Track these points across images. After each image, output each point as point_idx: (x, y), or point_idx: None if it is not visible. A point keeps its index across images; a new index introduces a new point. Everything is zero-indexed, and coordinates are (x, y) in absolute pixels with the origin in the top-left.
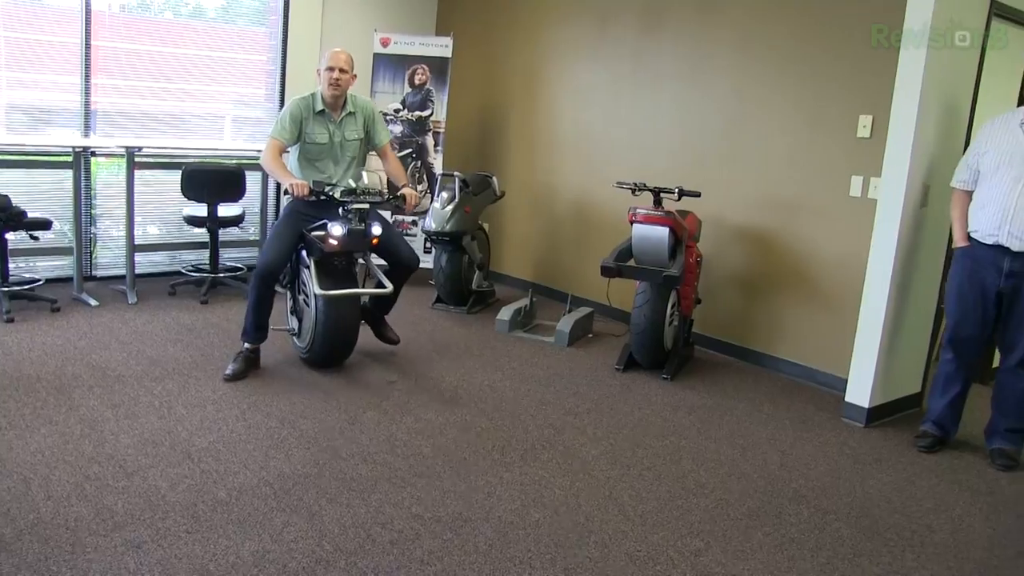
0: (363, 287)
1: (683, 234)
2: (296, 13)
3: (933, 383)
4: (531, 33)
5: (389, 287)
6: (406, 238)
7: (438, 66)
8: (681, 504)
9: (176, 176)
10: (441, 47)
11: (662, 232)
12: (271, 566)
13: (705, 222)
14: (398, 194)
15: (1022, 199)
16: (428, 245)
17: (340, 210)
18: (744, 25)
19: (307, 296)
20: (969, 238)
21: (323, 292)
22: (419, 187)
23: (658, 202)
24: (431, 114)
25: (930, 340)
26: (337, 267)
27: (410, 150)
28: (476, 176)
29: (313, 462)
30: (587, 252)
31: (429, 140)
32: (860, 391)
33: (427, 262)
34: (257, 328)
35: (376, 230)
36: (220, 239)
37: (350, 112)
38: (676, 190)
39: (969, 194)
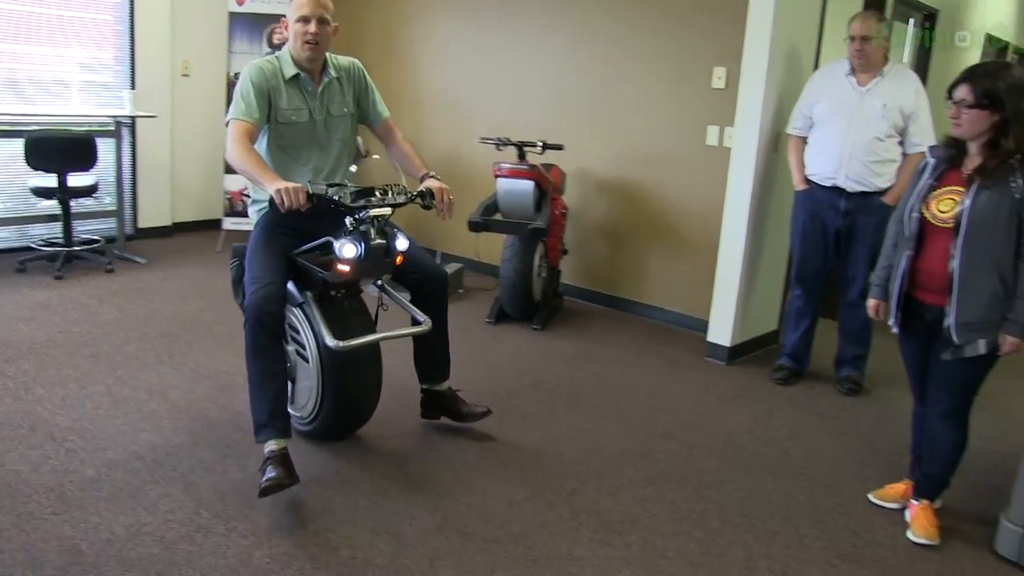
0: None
1: (548, 187)
2: None
3: (786, 319)
4: None
5: (425, 321)
6: (244, 197)
7: None
8: (555, 448)
9: (19, 145)
10: None
11: (527, 185)
12: (147, 538)
13: (570, 175)
14: (422, 189)
15: (856, 145)
16: None
17: (348, 220)
18: None
19: (301, 347)
20: (808, 181)
21: (343, 344)
22: None
23: (522, 156)
24: None
25: (784, 280)
26: (343, 303)
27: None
28: None
29: (186, 432)
30: (455, 208)
31: None
32: (721, 331)
33: None
34: (273, 412)
35: (402, 244)
36: (73, 211)
37: (334, 77)
38: (539, 144)
39: (803, 139)
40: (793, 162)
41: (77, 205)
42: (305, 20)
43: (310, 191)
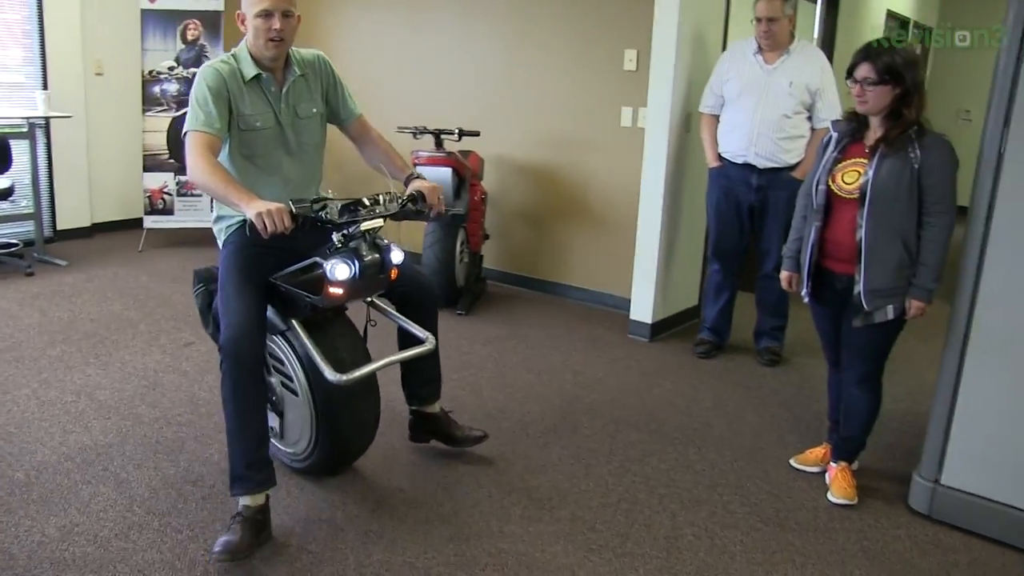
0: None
1: (466, 173)
2: None
3: (705, 294)
4: None
5: (428, 338)
6: (202, 200)
7: (210, 20)
8: (482, 429)
9: None
10: (211, 0)
11: (445, 173)
12: (80, 538)
13: (488, 160)
14: (412, 192)
15: (764, 122)
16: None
17: (336, 236)
18: None
19: (288, 379)
20: (721, 158)
21: (345, 378)
22: None
23: (439, 144)
24: None
25: (702, 256)
26: (332, 325)
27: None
28: None
29: (115, 431)
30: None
31: None
32: (643, 309)
33: None
34: (250, 463)
35: (397, 256)
36: None
37: (299, 75)
38: (456, 131)
39: (716, 118)
40: (706, 140)
41: None
42: (267, 15)
43: (294, 211)
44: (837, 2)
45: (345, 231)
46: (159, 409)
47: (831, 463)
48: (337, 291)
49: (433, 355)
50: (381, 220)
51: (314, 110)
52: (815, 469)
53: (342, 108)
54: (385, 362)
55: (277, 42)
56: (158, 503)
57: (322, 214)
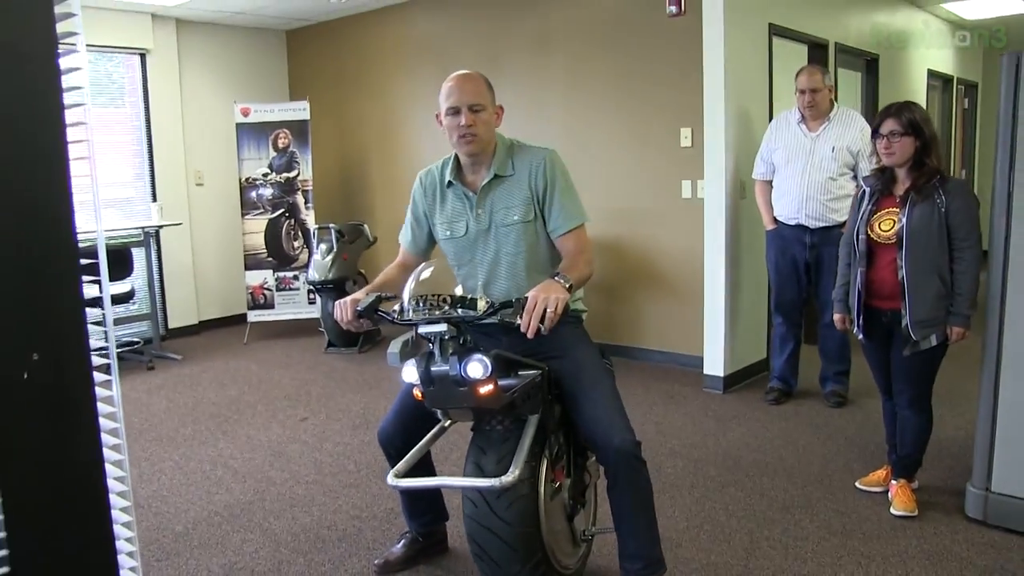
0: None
1: None
2: (155, 93)
3: (771, 346)
4: (380, 86)
5: (508, 474)
6: (299, 293)
7: (298, 128)
8: None
9: None
10: (299, 111)
11: None
12: (241, 573)
13: None
14: (515, 299)
15: (812, 186)
16: (312, 296)
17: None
18: (573, 61)
19: None
20: (776, 221)
21: (394, 482)
22: (295, 243)
23: None
24: (297, 174)
25: (766, 311)
26: (502, 430)
27: (283, 210)
28: (349, 226)
29: (253, 491)
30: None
31: (299, 198)
32: (715, 363)
33: (313, 312)
34: (411, 512)
35: (475, 369)
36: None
37: (495, 177)
38: None
39: (768, 183)
40: (761, 204)
41: (113, 311)
42: (455, 112)
43: (358, 310)
44: (876, 68)
45: (421, 332)
46: (287, 472)
47: (891, 481)
48: (417, 393)
49: (628, 529)
50: (443, 325)
51: (515, 217)
52: (878, 489)
53: (550, 219)
54: (443, 482)
55: (471, 139)
56: (300, 545)
57: (391, 313)
